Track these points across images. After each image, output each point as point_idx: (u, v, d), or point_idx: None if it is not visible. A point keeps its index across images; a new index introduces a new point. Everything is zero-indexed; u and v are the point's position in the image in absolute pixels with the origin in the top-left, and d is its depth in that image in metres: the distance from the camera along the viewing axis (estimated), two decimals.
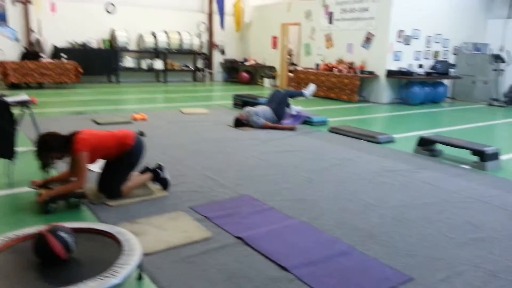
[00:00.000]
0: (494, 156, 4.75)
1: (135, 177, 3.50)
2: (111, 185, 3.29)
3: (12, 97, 3.57)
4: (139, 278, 2.24)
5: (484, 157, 4.67)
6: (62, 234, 2.03)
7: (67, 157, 3.12)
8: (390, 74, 10.31)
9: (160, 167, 3.60)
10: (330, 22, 11.48)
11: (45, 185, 3.18)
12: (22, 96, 3.61)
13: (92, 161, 3.19)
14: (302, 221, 3.08)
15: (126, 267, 1.99)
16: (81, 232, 2.33)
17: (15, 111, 3.55)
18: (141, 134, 5.67)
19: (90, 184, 3.60)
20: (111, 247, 2.21)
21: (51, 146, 2.99)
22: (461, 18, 11.64)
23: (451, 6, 11.28)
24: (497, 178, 4.37)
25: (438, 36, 11.21)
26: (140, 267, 2.20)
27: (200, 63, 14.08)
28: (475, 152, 4.78)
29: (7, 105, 3.40)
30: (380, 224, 3.08)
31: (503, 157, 5.18)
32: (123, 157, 3.28)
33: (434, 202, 3.59)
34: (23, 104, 3.57)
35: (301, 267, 2.41)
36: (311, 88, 7.25)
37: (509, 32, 11.78)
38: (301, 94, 7.20)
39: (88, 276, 1.92)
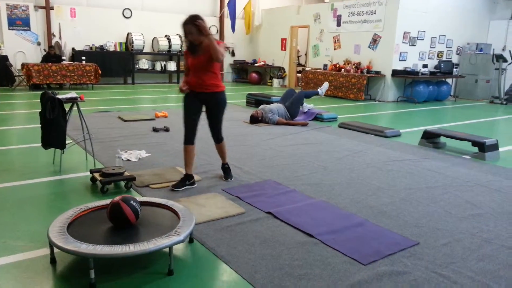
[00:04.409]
0: (493, 147, 5.17)
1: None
2: (219, 130, 3.89)
3: (63, 94, 4.03)
4: (191, 241, 2.70)
5: (484, 148, 5.09)
6: (133, 203, 2.48)
7: (197, 42, 3.78)
8: (396, 73, 10.74)
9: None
10: (338, 24, 11.93)
11: (101, 171, 3.65)
12: (72, 93, 4.08)
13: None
14: (321, 200, 3.53)
15: (185, 229, 2.45)
16: (143, 205, 2.80)
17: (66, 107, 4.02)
18: (166, 129, 6.15)
19: (137, 171, 4.07)
20: (170, 216, 2.67)
21: (199, 18, 3.71)
22: (464, 19, 12.05)
23: (455, 8, 11.69)
24: (495, 167, 4.80)
25: (442, 37, 11.63)
26: (191, 232, 2.65)
27: None
28: (476, 143, 5.20)
29: (61, 102, 3.87)
30: (390, 203, 3.53)
31: (502, 148, 5.61)
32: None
33: (438, 186, 4.03)
34: (72, 100, 4.04)
35: (324, 234, 2.86)
36: (324, 86, 7.69)
37: None
38: (316, 93, 7.63)
39: (156, 235, 2.38)
